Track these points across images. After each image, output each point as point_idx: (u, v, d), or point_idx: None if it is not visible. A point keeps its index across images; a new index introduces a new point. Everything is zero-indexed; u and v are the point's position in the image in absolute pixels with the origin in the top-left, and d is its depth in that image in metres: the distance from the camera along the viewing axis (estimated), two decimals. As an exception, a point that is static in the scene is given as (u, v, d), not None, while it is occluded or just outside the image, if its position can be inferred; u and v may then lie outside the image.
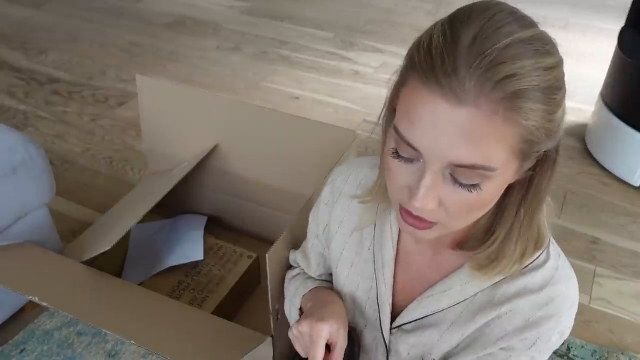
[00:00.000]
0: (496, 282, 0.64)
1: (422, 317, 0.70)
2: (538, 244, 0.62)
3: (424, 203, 0.51)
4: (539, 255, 0.64)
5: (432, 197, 0.52)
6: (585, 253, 1.65)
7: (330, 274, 0.84)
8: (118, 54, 2.74)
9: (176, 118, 1.45)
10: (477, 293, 0.65)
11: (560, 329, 0.64)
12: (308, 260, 0.86)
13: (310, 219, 0.84)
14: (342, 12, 3.25)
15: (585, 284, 1.54)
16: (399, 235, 0.71)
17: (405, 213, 0.56)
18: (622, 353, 1.35)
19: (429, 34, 0.51)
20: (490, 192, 0.52)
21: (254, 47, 2.82)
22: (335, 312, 0.73)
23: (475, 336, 0.67)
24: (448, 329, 0.68)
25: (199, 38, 2.92)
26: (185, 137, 1.45)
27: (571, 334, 0.77)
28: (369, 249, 0.74)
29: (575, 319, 0.67)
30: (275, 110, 1.45)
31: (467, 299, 0.66)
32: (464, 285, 0.66)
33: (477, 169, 0.49)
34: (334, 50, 2.80)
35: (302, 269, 0.90)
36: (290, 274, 0.93)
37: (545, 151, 0.53)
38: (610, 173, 1.93)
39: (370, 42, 2.88)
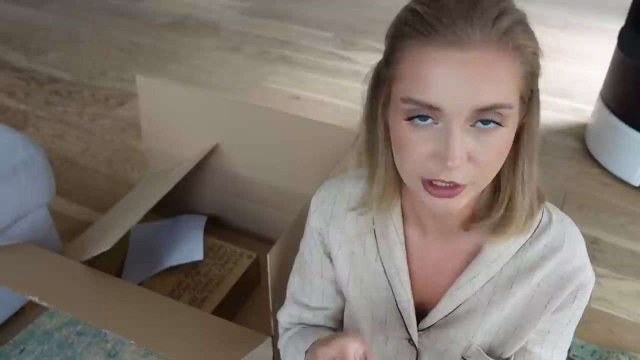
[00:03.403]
0: (517, 252, 0.66)
1: (455, 308, 0.69)
2: (539, 197, 0.64)
3: (458, 159, 0.52)
4: (541, 217, 0.66)
5: (463, 152, 0.53)
6: (585, 253, 1.65)
7: (334, 308, 0.82)
8: (118, 54, 2.74)
9: (176, 118, 1.45)
10: (502, 267, 0.67)
11: (590, 271, 0.67)
12: (312, 291, 0.82)
13: (304, 255, 0.81)
14: (343, 12, 3.25)
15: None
16: (404, 235, 0.70)
17: (434, 188, 0.56)
18: (622, 353, 1.35)
19: (408, 10, 0.54)
20: (510, 132, 0.55)
21: (255, 47, 2.82)
22: (348, 332, 0.69)
23: (523, 312, 0.68)
24: (487, 308, 0.68)
25: (199, 38, 2.92)
26: (185, 137, 1.45)
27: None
28: (375, 261, 0.72)
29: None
30: (276, 110, 1.45)
31: (493, 276, 0.67)
32: (491, 264, 0.66)
33: (497, 109, 0.52)
34: (335, 50, 2.80)
35: (299, 324, 0.85)
36: (285, 335, 0.86)
37: (532, 93, 0.57)
38: (610, 173, 1.93)
39: (370, 42, 2.88)
